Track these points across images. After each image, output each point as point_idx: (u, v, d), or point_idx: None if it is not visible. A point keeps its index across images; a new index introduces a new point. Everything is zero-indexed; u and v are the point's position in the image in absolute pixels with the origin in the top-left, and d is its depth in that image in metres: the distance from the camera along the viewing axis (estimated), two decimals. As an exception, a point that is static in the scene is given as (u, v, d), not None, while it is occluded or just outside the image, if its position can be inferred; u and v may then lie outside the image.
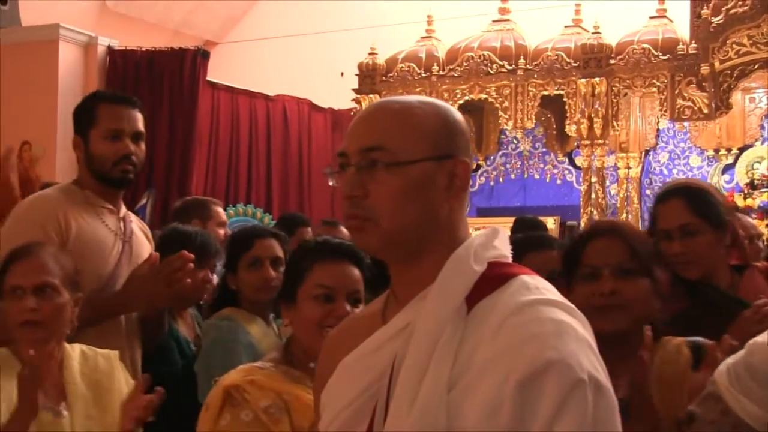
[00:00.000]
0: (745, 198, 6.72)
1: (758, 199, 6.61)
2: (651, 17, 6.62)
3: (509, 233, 1.31)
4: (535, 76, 6.59)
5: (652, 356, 1.65)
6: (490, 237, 1.19)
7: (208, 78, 7.13)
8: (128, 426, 1.77)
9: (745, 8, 5.73)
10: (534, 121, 6.78)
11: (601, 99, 6.35)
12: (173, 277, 2.19)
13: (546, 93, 6.60)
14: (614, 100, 6.40)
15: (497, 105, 6.73)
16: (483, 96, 6.76)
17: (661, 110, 6.34)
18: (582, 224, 6.56)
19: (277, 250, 2.40)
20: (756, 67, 5.81)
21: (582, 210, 6.64)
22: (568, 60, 6.50)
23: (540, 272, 2.48)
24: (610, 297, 1.64)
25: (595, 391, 1.04)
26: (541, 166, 7.71)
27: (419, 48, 7.14)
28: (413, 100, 1.19)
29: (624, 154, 7.20)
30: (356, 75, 7.17)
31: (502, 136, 7.70)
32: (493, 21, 7.10)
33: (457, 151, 1.17)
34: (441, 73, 6.85)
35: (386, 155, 1.14)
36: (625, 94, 6.55)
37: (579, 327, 1.09)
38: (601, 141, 6.45)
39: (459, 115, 1.21)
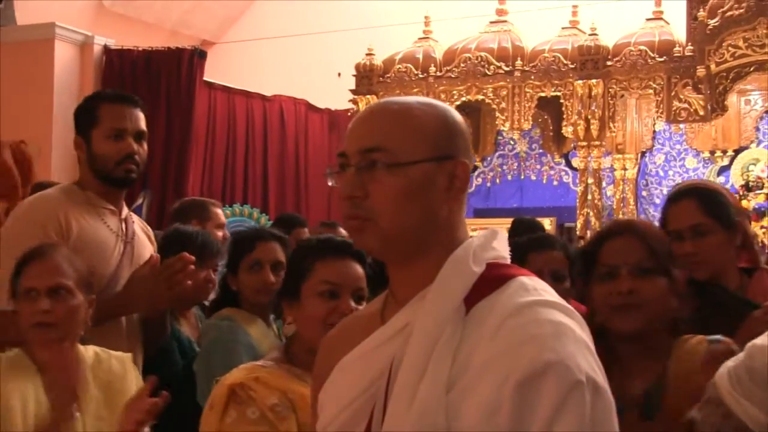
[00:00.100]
0: (740, 200, 6.74)
1: (753, 201, 6.63)
2: (647, 19, 6.64)
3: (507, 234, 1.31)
4: (532, 77, 6.61)
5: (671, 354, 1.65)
6: (489, 238, 1.19)
7: (205, 78, 7.12)
8: (129, 427, 1.76)
9: (741, 11, 5.75)
10: (531, 123, 6.79)
11: (598, 100, 6.36)
12: (174, 278, 2.18)
13: (543, 94, 6.61)
14: (611, 102, 6.41)
15: (494, 106, 6.74)
16: (480, 97, 6.77)
17: (657, 112, 6.36)
18: (579, 226, 6.58)
19: (278, 253, 2.39)
20: (751, 69, 5.83)
21: (578, 211, 6.65)
22: (565, 61, 6.51)
23: (543, 272, 2.50)
24: (628, 296, 1.64)
25: (593, 392, 1.04)
26: (538, 167, 7.72)
27: (416, 49, 7.15)
28: (413, 101, 1.20)
29: (620, 156, 7.22)
30: (353, 75, 7.17)
31: (499, 138, 7.70)
32: (491, 22, 7.11)
33: (457, 152, 1.17)
34: (438, 74, 6.86)
35: (386, 156, 1.14)
36: (622, 96, 6.57)
37: (577, 328, 1.09)
38: (597, 142, 6.47)
39: (459, 117, 1.21)
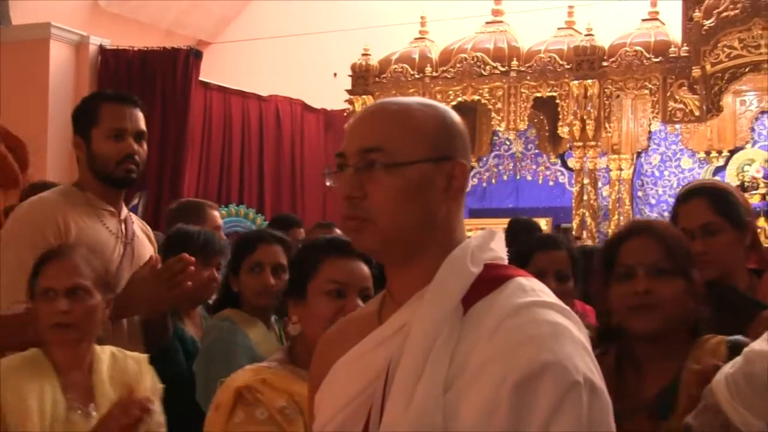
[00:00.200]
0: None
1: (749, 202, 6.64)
2: (643, 20, 6.65)
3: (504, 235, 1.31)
4: (528, 77, 6.61)
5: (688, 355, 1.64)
6: (487, 239, 1.19)
7: (200, 78, 7.12)
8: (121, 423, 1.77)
9: (737, 11, 5.76)
10: (527, 123, 6.80)
11: (594, 101, 6.37)
12: (174, 280, 2.17)
13: (539, 95, 6.62)
14: (606, 102, 6.42)
15: (490, 106, 6.75)
16: (476, 97, 6.78)
17: (652, 112, 6.37)
18: (574, 226, 6.59)
19: (280, 256, 2.37)
20: (747, 69, 5.84)
21: (574, 211, 6.66)
22: (560, 62, 6.52)
23: (547, 272, 2.52)
24: (645, 296, 1.64)
25: (590, 392, 1.05)
26: (534, 167, 7.73)
27: (412, 49, 7.15)
28: (412, 102, 1.19)
29: (616, 156, 7.24)
30: (349, 76, 7.17)
31: (495, 138, 7.71)
32: (487, 23, 7.12)
33: (456, 153, 1.17)
34: (434, 74, 6.86)
35: (385, 156, 1.14)
36: (617, 96, 6.58)
37: (574, 329, 1.09)
38: (593, 143, 6.48)
39: (457, 117, 1.21)
